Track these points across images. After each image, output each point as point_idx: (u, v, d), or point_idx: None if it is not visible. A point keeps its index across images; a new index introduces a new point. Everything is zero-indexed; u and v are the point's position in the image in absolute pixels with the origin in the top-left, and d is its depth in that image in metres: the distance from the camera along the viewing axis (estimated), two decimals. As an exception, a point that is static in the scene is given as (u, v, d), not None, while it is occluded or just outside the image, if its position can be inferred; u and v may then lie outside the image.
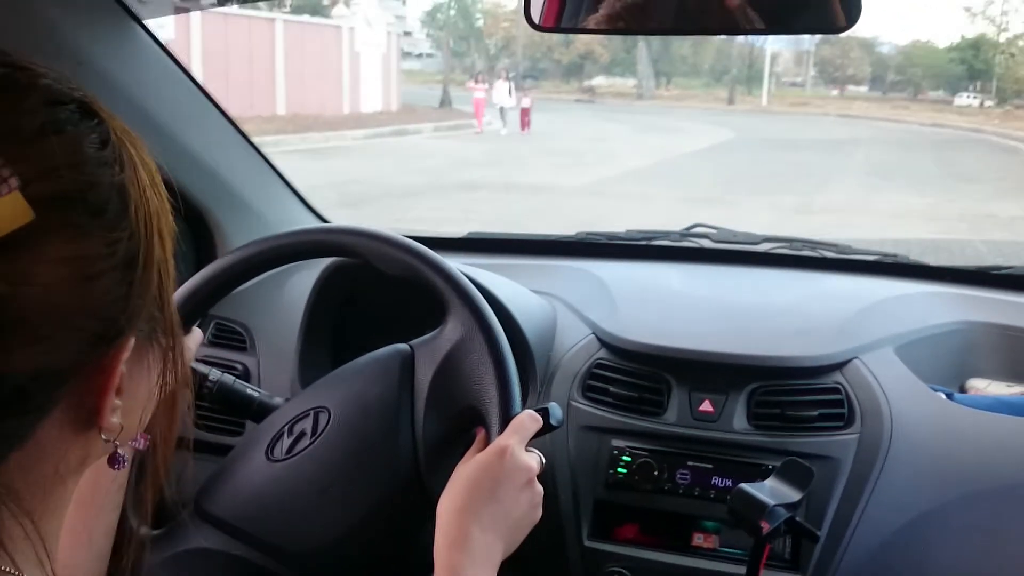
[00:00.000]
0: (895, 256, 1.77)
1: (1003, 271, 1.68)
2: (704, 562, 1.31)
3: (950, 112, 31.60)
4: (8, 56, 0.55)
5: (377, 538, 1.03)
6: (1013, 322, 1.50)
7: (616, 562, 1.34)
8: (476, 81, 22.60)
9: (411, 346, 1.09)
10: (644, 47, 37.10)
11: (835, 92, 35.67)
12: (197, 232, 1.63)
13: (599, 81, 42.51)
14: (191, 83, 1.49)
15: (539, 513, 0.94)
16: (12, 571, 0.55)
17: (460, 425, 1.04)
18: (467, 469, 0.92)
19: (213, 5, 1.80)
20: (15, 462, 0.54)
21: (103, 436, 0.58)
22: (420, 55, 46.78)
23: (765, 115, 29.97)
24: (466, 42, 43.07)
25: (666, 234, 1.89)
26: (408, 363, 1.07)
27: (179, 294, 1.10)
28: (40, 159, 0.52)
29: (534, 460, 0.94)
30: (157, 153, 1.51)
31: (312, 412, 1.09)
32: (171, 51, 1.45)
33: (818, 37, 33.39)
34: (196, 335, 1.09)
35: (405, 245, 1.07)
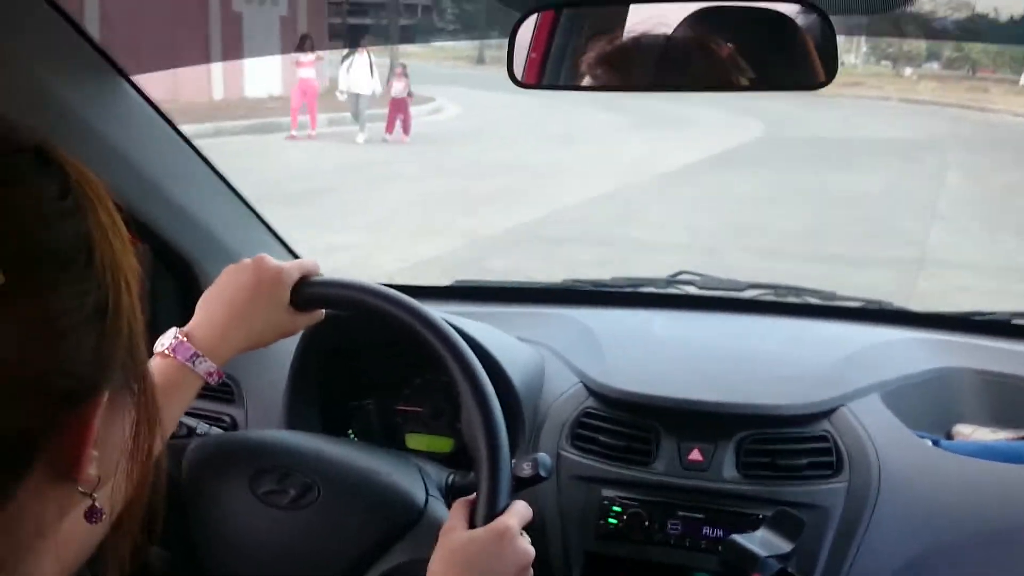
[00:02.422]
0: (879, 303, 1.78)
1: (985, 317, 1.69)
2: None
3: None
4: None
5: None
6: (995, 368, 1.51)
7: None
8: (303, 49, 14.36)
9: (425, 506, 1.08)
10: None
11: (889, 69, 31.78)
12: (184, 282, 1.63)
13: None
14: (176, 135, 1.50)
15: None
16: None
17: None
18: (463, 544, 0.91)
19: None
20: None
21: (80, 489, 0.57)
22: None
23: (809, 97, 23.15)
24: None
25: (652, 281, 1.90)
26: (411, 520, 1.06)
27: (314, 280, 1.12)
28: (2, 218, 0.51)
29: (529, 546, 0.94)
30: (144, 205, 1.50)
31: (304, 481, 1.08)
32: (157, 105, 1.46)
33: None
34: (316, 315, 1.15)
35: (387, 295, 1.07)
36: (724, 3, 1.12)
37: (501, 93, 19.76)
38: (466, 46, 35.78)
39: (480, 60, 32.66)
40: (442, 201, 9.24)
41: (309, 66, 13.76)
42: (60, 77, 1.27)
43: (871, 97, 24.14)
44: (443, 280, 1.95)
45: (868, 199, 9.82)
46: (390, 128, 13.68)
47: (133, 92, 1.39)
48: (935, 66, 30.03)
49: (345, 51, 14.55)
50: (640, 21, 1.08)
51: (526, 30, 1.14)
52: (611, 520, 1.34)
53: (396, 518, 1.05)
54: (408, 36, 39.42)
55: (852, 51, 34.03)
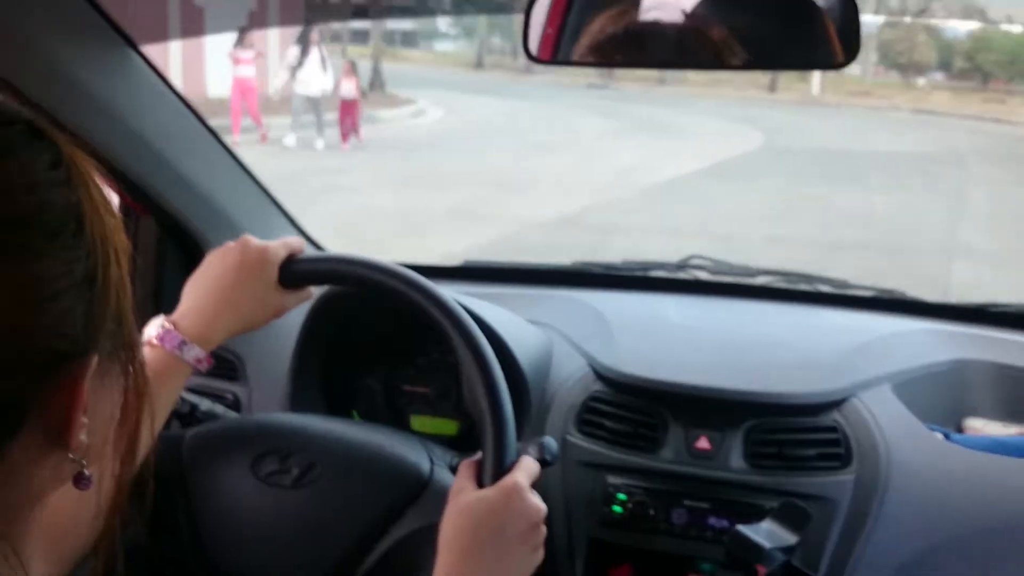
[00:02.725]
0: (892, 292, 1.76)
1: (1000, 309, 1.67)
2: None
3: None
4: None
5: None
6: (1010, 361, 1.49)
7: None
8: (242, 45, 12.46)
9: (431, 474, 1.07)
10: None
11: (898, 79, 29.97)
12: (191, 256, 1.62)
13: None
14: (186, 108, 1.49)
15: (541, 556, 0.93)
16: None
17: None
18: (472, 505, 0.90)
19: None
20: None
21: (70, 455, 0.59)
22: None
23: (815, 108, 22.42)
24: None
25: (662, 265, 1.88)
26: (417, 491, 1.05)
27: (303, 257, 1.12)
28: None
29: (541, 503, 0.93)
30: (153, 178, 1.49)
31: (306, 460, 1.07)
32: (165, 76, 1.45)
33: (880, 19, 28.95)
34: (305, 293, 1.16)
35: (398, 273, 1.05)
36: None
37: (491, 97, 19.78)
38: (468, 52, 35.54)
39: (479, 65, 32.49)
40: (389, 218, 8.17)
41: (248, 63, 12.39)
42: (69, 48, 1.25)
43: (880, 107, 23.22)
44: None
45: (879, 224, 8.75)
46: (345, 134, 12.42)
47: (142, 63, 1.37)
48: (938, 76, 29.02)
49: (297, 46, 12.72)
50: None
51: (542, 6, 1.13)
52: (616, 507, 1.33)
53: (402, 488, 1.04)
54: (409, 40, 39.86)
55: (859, 61, 32.79)
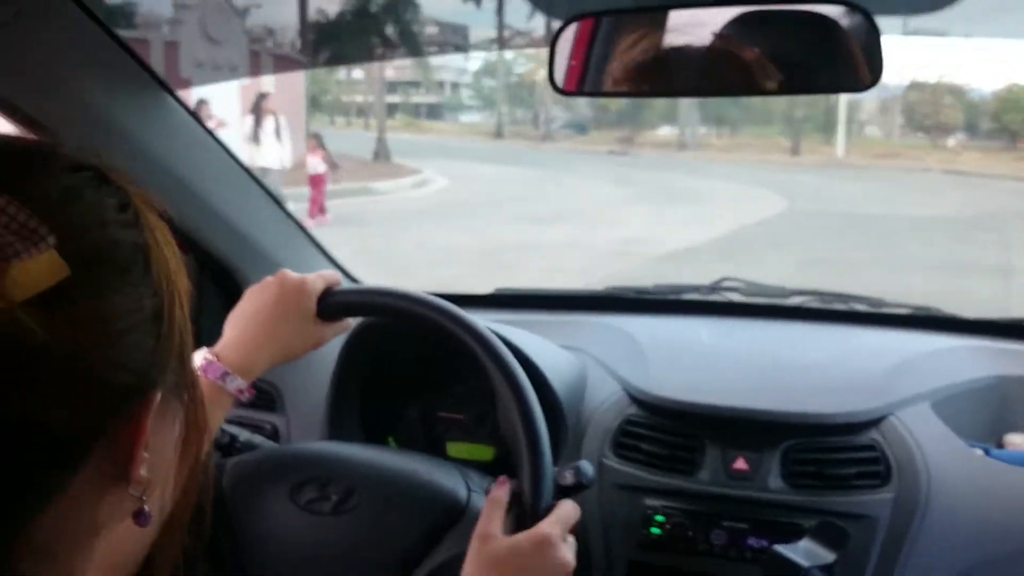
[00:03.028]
0: (928, 309, 1.75)
1: None
2: None
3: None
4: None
5: None
6: None
7: None
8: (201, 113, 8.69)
9: (468, 500, 1.07)
10: (689, 89, 29.32)
11: (926, 141, 28.99)
12: (228, 292, 1.65)
13: (662, 131, 32.84)
14: (220, 147, 1.53)
15: None
16: None
17: None
18: (502, 557, 0.90)
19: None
20: (51, 517, 0.55)
21: (131, 491, 0.60)
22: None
23: (841, 169, 21.62)
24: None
25: (695, 288, 1.88)
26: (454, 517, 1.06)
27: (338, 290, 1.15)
28: (68, 221, 0.54)
29: (572, 555, 0.93)
30: (190, 217, 1.54)
31: (344, 487, 1.09)
32: (199, 117, 1.49)
33: (906, 81, 28.28)
34: (344, 325, 1.19)
35: (432, 303, 1.07)
36: (765, 7, 1.11)
37: (505, 166, 19.10)
38: (491, 122, 36.12)
39: (498, 134, 32.92)
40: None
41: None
42: (107, 93, 1.30)
43: (910, 168, 21.99)
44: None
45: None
46: (314, 211, 11.69)
47: (177, 106, 1.42)
48: (962, 137, 28.20)
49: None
50: (679, 27, 1.07)
51: (567, 39, 1.15)
52: (654, 529, 1.33)
53: (439, 515, 1.05)
54: (434, 112, 41.21)
55: (885, 123, 32.27)
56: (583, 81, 1.13)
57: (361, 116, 38.94)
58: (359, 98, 38.36)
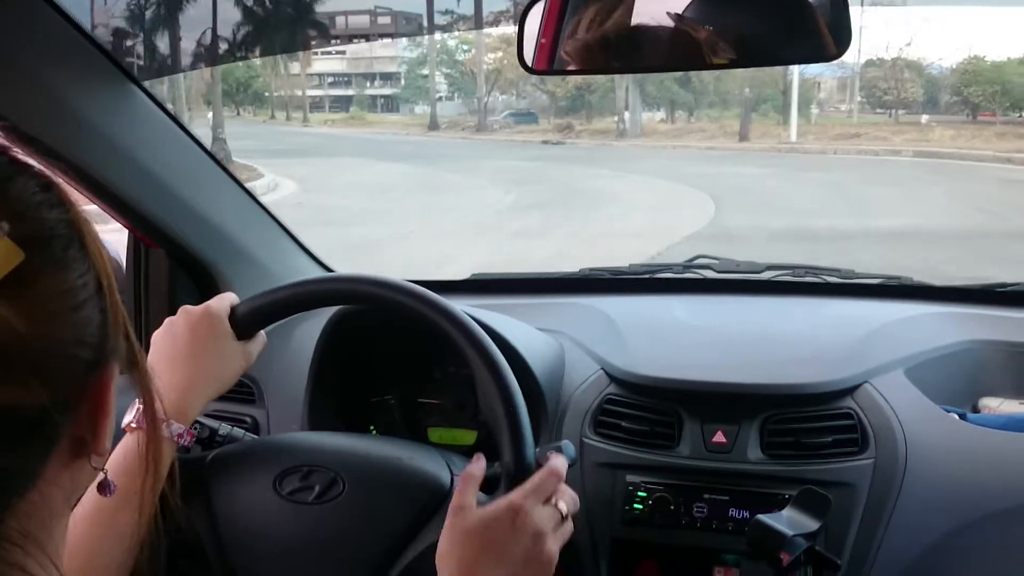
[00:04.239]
0: (899, 278, 1.77)
1: (1009, 288, 1.68)
2: None
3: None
4: None
5: None
6: (1021, 339, 1.50)
7: None
8: None
9: (451, 484, 1.07)
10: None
11: (885, 117, 27.50)
12: (202, 285, 1.64)
13: (608, 119, 29.99)
14: (190, 140, 1.51)
15: (551, 568, 0.93)
16: None
17: None
18: (472, 522, 0.91)
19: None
20: (29, 502, 0.56)
21: (93, 464, 0.60)
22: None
23: (793, 156, 18.49)
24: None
25: (669, 266, 1.89)
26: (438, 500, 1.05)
27: (243, 305, 1.13)
28: (8, 206, 0.54)
29: (547, 517, 0.93)
30: (162, 210, 1.51)
31: (327, 476, 1.08)
32: (169, 110, 1.47)
33: (862, 59, 27.55)
34: (261, 338, 1.15)
35: (408, 290, 1.07)
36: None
37: (394, 163, 16.93)
38: (444, 113, 35.75)
39: (433, 126, 32.51)
40: None
41: None
42: (71, 84, 1.27)
43: (875, 151, 18.85)
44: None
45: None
46: None
47: (146, 98, 1.40)
48: (925, 118, 26.81)
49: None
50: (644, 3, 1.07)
51: (535, 17, 1.14)
52: (637, 505, 1.33)
53: (423, 500, 1.05)
54: (390, 104, 41.12)
55: (845, 100, 31.10)
56: (552, 60, 1.12)
57: (318, 110, 39.29)
58: (283, 92, 38.53)
